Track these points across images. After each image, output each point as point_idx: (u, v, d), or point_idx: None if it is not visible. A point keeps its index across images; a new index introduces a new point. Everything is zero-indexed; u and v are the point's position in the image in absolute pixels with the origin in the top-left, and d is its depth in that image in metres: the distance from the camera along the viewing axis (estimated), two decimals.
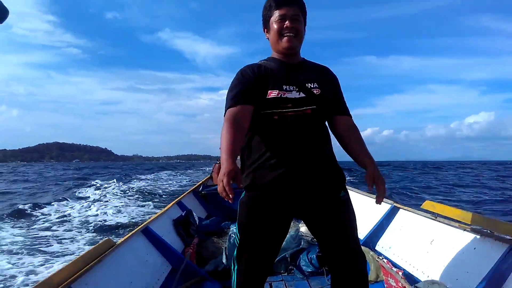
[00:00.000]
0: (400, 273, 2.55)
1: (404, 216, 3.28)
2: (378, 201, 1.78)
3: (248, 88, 1.71)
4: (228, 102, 1.71)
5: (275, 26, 1.77)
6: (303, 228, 3.78)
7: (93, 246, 2.22)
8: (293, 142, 1.69)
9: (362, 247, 2.29)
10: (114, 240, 2.44)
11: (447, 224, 2.65)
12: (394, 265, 2.80)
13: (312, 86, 1.76)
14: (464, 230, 2.44)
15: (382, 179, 1.78)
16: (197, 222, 4.14)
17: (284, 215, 1.76)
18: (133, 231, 2.84)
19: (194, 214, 4.18)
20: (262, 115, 1.73)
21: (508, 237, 2.07)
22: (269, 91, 1.71)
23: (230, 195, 1.44)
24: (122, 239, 2.56)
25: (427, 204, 2.98)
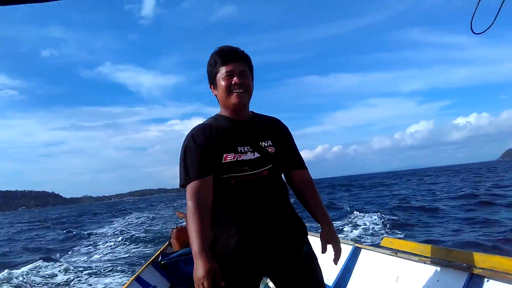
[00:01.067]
0: None
1: (367, 256, 3.32)
2: (335, 262, 1.84)
3: (204, 157, 1.66)
4: (186, 174, 1.67)
5: (222, 83, 1.72)
6: (271, 284, 3.70)
7: None
8: (252, 205, 1.68)
9: None
10: None
11: (407, 259, 2.71)
12: None
13: (266, 145, 1.75)
14: (425, 263, 2.51)
15: (336, 239, 1.84)
16: None
17: (252, 278, 1.74)
18: None
19: None
20: (218, 180, 1.69)
21: (466, 265, 2.15)
22: (224, 155, 1.67)
23: None
24: None
25: (386, 241, 3.05)
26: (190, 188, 1.64)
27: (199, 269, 1.50)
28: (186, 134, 1.79)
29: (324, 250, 1.82)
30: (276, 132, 1.86)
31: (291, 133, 1.96)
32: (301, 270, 1.74)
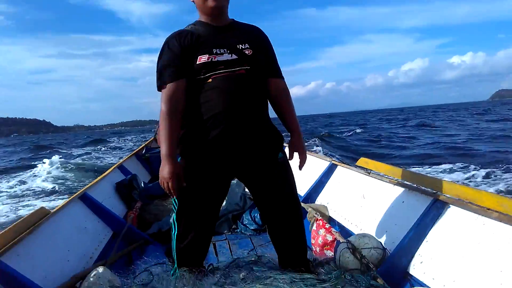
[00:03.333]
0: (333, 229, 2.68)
1: (341, 172, 3.42)
2: (300, 167, 1.92)
3: (177, 61, 1.68)
4: (160, 79, 1.71)
5: None
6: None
7: (25, 216, 2.13)
8: (228, 103, 1.67)
9: (302, 204, 2.40)
10: (49, 208, 2.36)
11: (378, 179, 2.80)
12: (331, 219, 2.97)
13: (243, 47, 1.73)
14: (394, 184, 2.60)
15: (303, 148, 1.90)
16: (141, 186, 4.07)
17: (221, 177, 1.78)
18: (70, 198, 2.75)
19: (138, 178, 4.10)
20: (195, 81, 1.70)
21: (432, 190, 2.23)
22: (198, 57, 1.67)
23: (175, 196, 1.67)
24: (58, 207, 2.47)
25: (362, 161, 3.12)
26: (163, 92, 1.69)
27: (164, 170, 1.63)
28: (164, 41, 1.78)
29: (291, 157, 1.91)
30: (255, 37, 1.84)
31: (271, 43, 1.94)
32: (274, 175, 1.79)
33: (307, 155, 1.96)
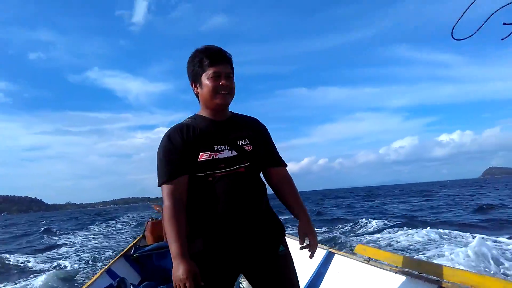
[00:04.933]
0: None
1: (340, 261, 3.30)
2: (311, 256, 1.86)
3: (179, 157, 1.68)
4: (162, 174, 1.70)
5: (209, 83, 1.72)
6: (245, 283, 3.68)
7: None
8: (228, 202, 1.67)
9: None
10: None
11: (379, 267, 2.70)
12: None
13: (243, 143, 1.76)
14: (395, 272, 2.50)
15: (314, 233, 1.85)
16: None
17: (226, 274, 1.72)
18: None
19: (127, 282, 3.88)
20: (195, 178, 1.70)
21: (435, 277, 2.14)
22: (200, 154, 1.68)
23: None
24: None
25: (359, 248, 3.03)
26: (165, 189, 1.67)
27: (180, 270, 1.53)
28: (164, 134, 1.79)
29: (302, 242, 1.85)
30: (254, 131, 1.87)
31: (269, 132, 1.97)
32: (276, 270, 1.73)
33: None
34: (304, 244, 1.86)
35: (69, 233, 22.77)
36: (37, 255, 13.04)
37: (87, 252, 12.81)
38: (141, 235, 6.34)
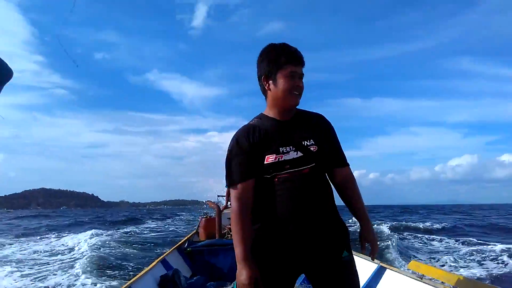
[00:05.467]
0: None
1: (391, 276, 3.25)
2: (373, 258, 1.86)
3: (246, 161, 1.71)
4: (230, 177, 1.74)
5: (285, 82, 1.70)
6: None
7: None
8: (294, 204, 1.68)
9: None
10: None
11: (432, 285, 2.64)
12: None
13: (309, 144, 1.73)
14: None
15: (374, 238, 1.82)
16: (183, 282, 4.02)
17: (288, 274, 1.73)
18: None
19: (180, 273, 4.06)
20: (262, 180, 1.72)
21: None
22: (266, 157, 1.69)
23: None
24: None
25: (412, 265, 2.97)
26: (233, 191, 1.72)
27: (243, 275, 1.59)
28: (232, 136, 1.81)
29: (363, 248, 1.83)
30: (320, 130, 1.82)
31: (335, 130, 1.92)
32: (338, 275, 1.71)
33: (354, 256, 1.86)
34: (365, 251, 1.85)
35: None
36: None
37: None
38: (195, 231, 6.53)
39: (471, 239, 14.25)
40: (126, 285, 2.95)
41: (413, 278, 2.89)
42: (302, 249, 1.68)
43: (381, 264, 3.47)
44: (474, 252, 11.19)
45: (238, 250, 1.63)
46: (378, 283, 3.33)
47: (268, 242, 1.70)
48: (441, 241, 14.06)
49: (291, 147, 1.71)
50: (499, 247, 12.54)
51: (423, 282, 2.75)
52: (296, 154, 1.70)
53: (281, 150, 1.70)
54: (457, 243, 13.59)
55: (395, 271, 3.23)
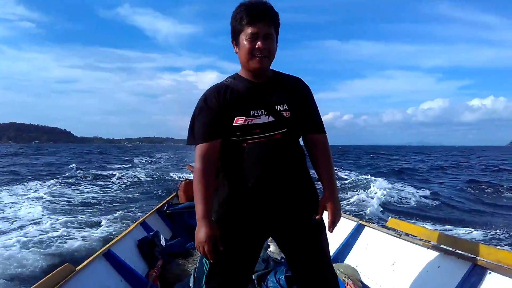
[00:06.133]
0: None
1: (370, 234, 3.31)
2: (329, 230, 1.79)
3: (213, 120, 1.66)
4: (196, 136, 1.69)
5: (246, 44, 1.64)
6: (272, 247, 3.75)
7: (51, 273, 2.10)
8: (262, 169, 1.65)
9: None
10: (74, 265, 2.32)
11: (411, 242, 2.70)
12: (362, 284, 2.82)
13: (281, 109, 1.69)
14: (428, 248, 2.49)
15: (335, 208, 1.78)
16: (163, 243, 4.01)
17: (254, 238, 1.74)
18: (94, 255, 2.71)
19: (160, 235, 4.05)
20: (229, 142, 1.68)
21: (470, 255, 2.13)
22: (235, 118, 1.65)
23: (212, 260, 1.62)
24: (82, 264, 2.44)
25: (392, 222, 3.03)
26: (198, 150, 1.67)
27: (201, 233, 1.60)
28: (202, 94, 1.76)
29: (319, 215, 1.77)
30: (295, 95, 1.77)
31: (312, 94, 1.86)
32: (307, 238, 1.73)
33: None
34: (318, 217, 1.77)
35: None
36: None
37: None
38: (174, 193, 6.56)
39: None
40: (104, 248, 2.90)
41: (392, 235, 2.95)
42: (269, 212, 1.68)
43: (360, 222, 3.53)
44: None
45: (198, 208, 1.62)
46: (356, 240, 3.40)
47: (235, 205, 1.68)
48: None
49: (262, 110, 1.66)
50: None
51: (402, 239, 2.81)
52: (268, 118, 1.66)
53: (251, 113, 1.65)
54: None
55: (374, 229, 3.30)
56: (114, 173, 21.28)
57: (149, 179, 18.50)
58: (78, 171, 21.70)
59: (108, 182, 17.02)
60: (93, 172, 21.44)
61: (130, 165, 30.87)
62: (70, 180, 17.13)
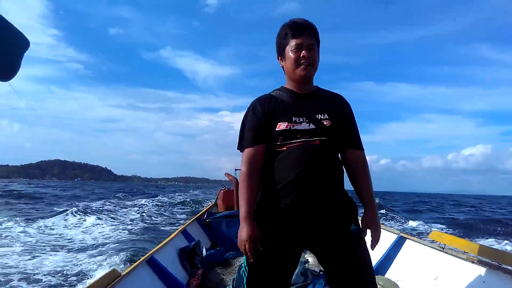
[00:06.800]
0: None
1: (411, 246, 3.24)
2: (371, 247, 1.77)
3: (259, 127, 1.76)
4: (242, 141, 1.80)
5: (291, 55, 1.76)
6: (311, 260, 3.74)
7: (98, 278, 2.21)
8: (301, 172, 1.68)
9: None
10: (119, 270, 2.43)
11: (454, 255, 2.62)
12: None
13: (322, 117, 1.75)
14: (472, 262, 2.41)
15: (376, 225, 1.78)
16: (204, 252, 4.10)
17: (293, 247, 1.74)
18: (138, 261, 2.82)
19: (201, 245, 4.15)
20: (272, 147, 1.75)
21: None
22: (278, 124, 1.73)
23: (252, 260, 1.66)
24: (127, 270, 2.54)
25: (434, 235, 2.95)
26: (244, 154, 1.76)
27: (243, 232, 1.65)
28: (250, 104, 1.88)
29: (364, 234, 1.77)
30: (336, 107, 1.84)
31: (353, 113, 1.93)
32: (348, 248, 1.70)
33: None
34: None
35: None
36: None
37: None
38: (214, 203, 6.67)
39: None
40: (147, 254, 3.01)
41: (434, 248, 2.87)
42: (306, 219, 1.69)
43: (401, 234, 3.46)
44: None
45: (242, 210, 1.69)
46: (398, 253, 3.33)
47: (274, 211, 1.71)
48: None
49: (304, 118, 1.74)
50: None
51: (445, 252, 2.73)
52: (309, 125, 1.73)
53: (293, 120, 1.73)
54: None
55: (416, 241, 3.22)
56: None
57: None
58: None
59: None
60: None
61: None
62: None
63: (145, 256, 2.98)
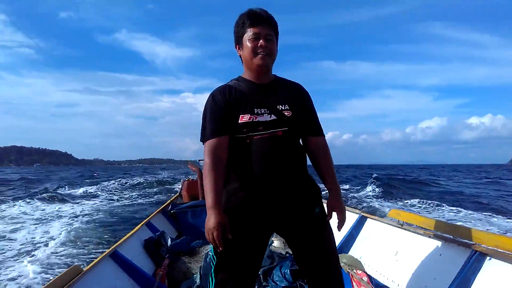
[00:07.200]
0: (370, 284, 2.59)
1: (372, 225, 3.35)
2: (338, 229, 1.85)
3: (221, 117, 1.75)
4: (205, 133, 1.78)
5: (249, 44, 1.77)
6: (276, 243, 3.79)
7: (59, 275, 2.15)
8: (265, 163, 1.71)
9: None
10: (81, 267, 2.37)
11: (412, 231, 2.73)
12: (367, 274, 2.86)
13: (283, 108, 1.78)
14: (429, 237, 2.52)
15: (342, 207, 1.85)
16: (169, 242, 4.06)
17: (260, 233, 1.77)
18: (101, 256, 2.76)
19: (166, 235, 4.10)
20: (234, 139, 1.76)
21: (470, 242, 2.16)
22: (240, 116, 1.73)
23: (221, 248, 1.63)
24: (90, 265, 2.48)
25: (393, 213, 3.06)
26: (207, 145, 1.75)
27: (210, 220, 1.64)
28: (209, 94, 1.86)
29: (329, 216, 1.84)
30: (296, 96, 1.88)
31: (312, 100, 1.97)
32: (312, 230, 1.76)
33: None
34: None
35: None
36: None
37: None
38: (178, 194, 6.61)
39: None
40: (111, 248, 2.94)
41: (393, 225, 2.98)
42: (274, 207, 1.73)
43: (362, 213, 3.57)
44: None
45: (208, 199, 1.67)
46: (359, 231, 3.43)
47: (241, 197, 1.74)
48: None
49: (265, 109, 1.76)
50: None
51: (404, 229, 2.84)
52: (270, 116, 1.75)
53: (255, 111, 1.74)
54: None
55: (376, 220, 3.33)
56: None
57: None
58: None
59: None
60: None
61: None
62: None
63: (108, 250, 2.91)
